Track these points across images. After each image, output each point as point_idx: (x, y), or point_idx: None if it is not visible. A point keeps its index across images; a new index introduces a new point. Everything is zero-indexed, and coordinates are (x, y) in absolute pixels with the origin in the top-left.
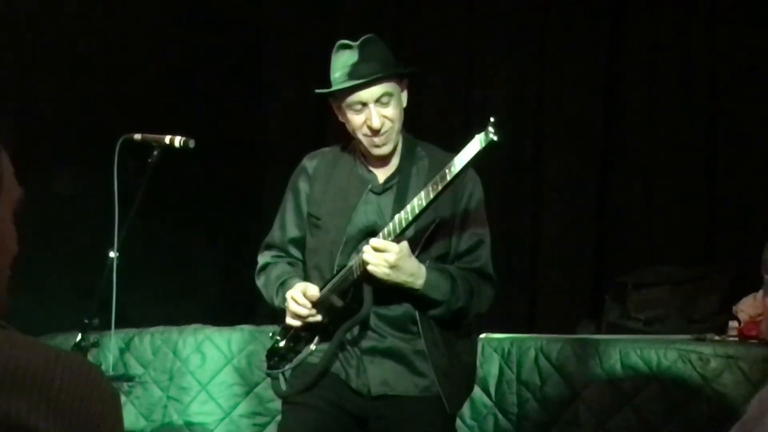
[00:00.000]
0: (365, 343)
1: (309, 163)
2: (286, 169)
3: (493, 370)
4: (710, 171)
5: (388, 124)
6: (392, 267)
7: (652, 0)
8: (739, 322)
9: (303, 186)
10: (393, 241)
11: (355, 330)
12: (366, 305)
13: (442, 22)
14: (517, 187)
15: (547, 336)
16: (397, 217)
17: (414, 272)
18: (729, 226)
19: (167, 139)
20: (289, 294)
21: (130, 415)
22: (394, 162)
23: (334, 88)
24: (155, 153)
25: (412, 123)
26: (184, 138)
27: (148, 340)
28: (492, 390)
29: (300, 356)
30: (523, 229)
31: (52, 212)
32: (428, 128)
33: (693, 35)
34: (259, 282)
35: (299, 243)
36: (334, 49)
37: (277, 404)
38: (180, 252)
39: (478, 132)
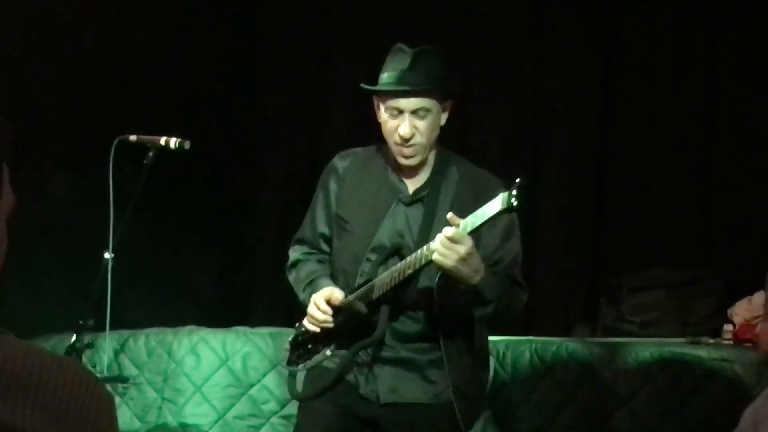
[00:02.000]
0: (377, 353)
1: (340, 162)
2: (283, 171)
3: (488, 373)
4: (706, 175)
5: (418, 137)
6: (461, 260)
7: (649, 3)
8: (734, 326)
9: (332, 185)
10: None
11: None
12: (380, 327)
13: (438, 22)
14: None
15: (542, 338)
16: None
17: (477, 268)
18: (724, 230)
19: (162, 140)
20: (313, 297)
21: (124, 417)
22: (425, 174)
23: (377, 87)
24: (150, 154)
25: None
26: (179, 139)
27: (143, 341)
28: (486, 392)
29: (317, 358)
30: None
31: (47, 213)
32: None
33: (690, 38)
34: (290, 277)
35: (329, 239)
36: (392, 49)
37: (272, 406)
38: (175, 253)
39: (503, 190)
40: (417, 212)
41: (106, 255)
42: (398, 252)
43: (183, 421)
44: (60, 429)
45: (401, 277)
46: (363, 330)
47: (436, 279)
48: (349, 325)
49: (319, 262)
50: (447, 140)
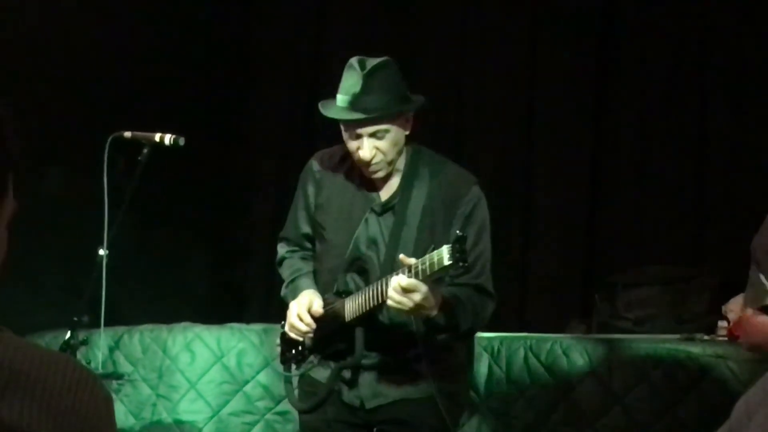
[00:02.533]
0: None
1: (317, 164)
2: (276, 168)
3: (483, 369)
4: (700, 172)
5: (379, 156)
6: (416, 307)
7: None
8: (729, 322)
9: (310, 188)
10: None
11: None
12: (358, 350)
13: (432, 24)
14: (508, 187)
15: (537, 335)
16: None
17: (432, 305)
18: (719, 227)
19: (157, 137)
20: (296, 309)
21: (119, 413)
22: (396, 180)
23: (332, 116)
24: (145, 151)
25: None
26: (174, 136)
27: (138, 338)
28: (481, 389)
29: (305, 366)
30: (513, 229)
31: (42, 210)
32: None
33: (685, 37)
34: (281, 272)
35: (312, 238)
36: (346, 65)
37: (266, 403)
38: (170, 250)
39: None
40: (390, 221)
41: (101, 252)
42: (361, 263)
43: (178, 418)
44: (57, 426)
45: (368, 308)
46: (343, 341)
47: None
48: (329, 329)
49: (303, 259)
50: (443, 132)
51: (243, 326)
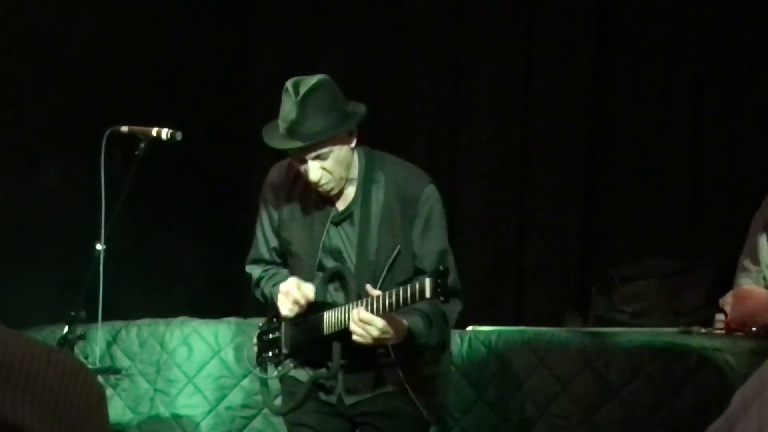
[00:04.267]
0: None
1: (275, 180)
2: (273, 161)
3: (480, 364)
4: (697, 164)
5: (326, 177)
6: (377, 338)
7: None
8: (726, 315)
9: (271, 205)
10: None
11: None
12: (335, 362)
13: (428, 19)
14: (504, 180)
15: (534, 329)
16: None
17: (392, 335)
18: (715, 220)
19: (154, 131)
20: (289, 279)
21: (116, 408)
22: (351, 190)
23: (273, 146)
24: (142, 145)
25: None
26: (170, 130)
27: (135, 332)
28: (478, 383)
29: (282, 369)
30: (509, 222)
31: (39, 205)
32: (415, 127)
33: (680, 30)
34: (257, 293)
35: (280, 252)
36: (284, 87)
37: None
38: (167, 244)
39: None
40: (350, 229)
41: (98, 246)
42: (338, 274)
43: (175, 412)
44: (50, 419)
45: (344, 326)
46: (320, 351)
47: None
48: (307, 338)
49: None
50: (435, 139)
51: (241, 320)
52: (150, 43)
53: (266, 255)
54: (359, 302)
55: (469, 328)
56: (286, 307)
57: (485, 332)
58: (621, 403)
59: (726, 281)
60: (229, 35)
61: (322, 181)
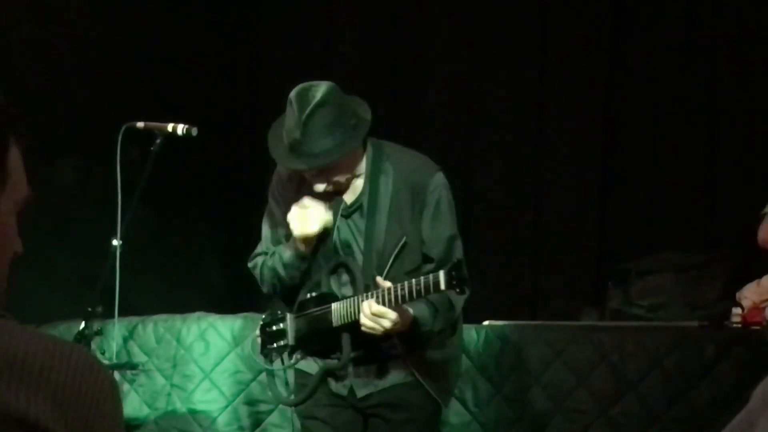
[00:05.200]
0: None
1: (284, 173)
2: None
3: (496, 358)
4: (712, 158)
5: (331, 186)
6: (388, 330)
7: None
8: (743, 309)
9: (281, 197)
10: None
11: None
12: (345, 354)
13: (441, 15)
14: (520, 175)
15: (550, 323)
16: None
17: (401, 326)
18: (731, 213)
19: (170, 127)
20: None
21: (133, 403)
22: (360, 182)
23: (278, 161)
24: (158, 141)
25: (415, 119)
26: (186, 126)
27: (152, 328)
28: (495, 377)
29: (290, 361)
30: (525, 217)
31: (56, 201)
32: (430, 121)
33: (696, 21)
34: (265, 287)
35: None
36: (288, 99)
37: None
38: (183, 240)
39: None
40: (359, 221)
41: (115, 242)
42: (344, 265)
43: (192, 408)
44: (63, 413)
45: (354, 318)
46: (329, 342)
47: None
48: (315, 329)
49: None
50: (452, 135)
51: (257, 315)
52: (165, 38)
53: (271, 243)
54: (369, 294)
55: (485, 322)
56: (310, 220)
57: (501, 327)
58: (637, 397)
59: (742, 275)
60: (243, 30)
61: (327, 190)
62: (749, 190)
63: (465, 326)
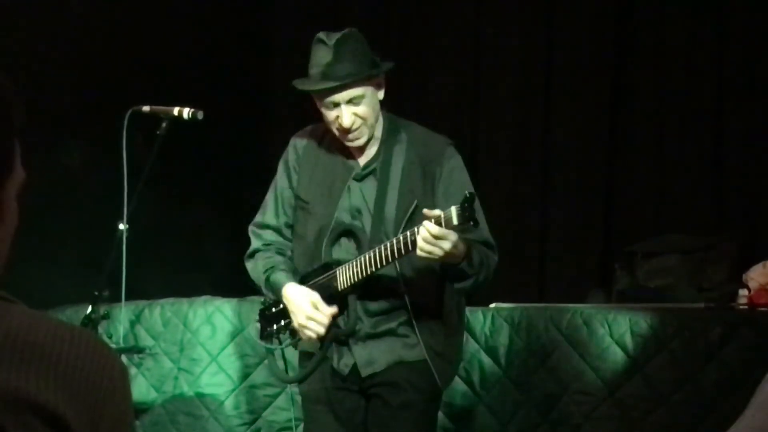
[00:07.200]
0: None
1: (299, 142)
2: None
3: (503, 340)
4: (719, 140)
5: (359, 122)
6: (444, 255)
7: None
8: (749, 290)
9: (292, 167)
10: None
11: (341, 321)
12: (351, 320)
13: (448, 9)
14: (526, 157)
15: (557, 305)
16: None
17: (460, 252)
18: (738, 195)
19: (176, 110)
20: (308, 309)
21: (140, 387)
22: (374, 147)
23: (307, 88)
24: (164, 125)
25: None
26: (192, 109)
27: (159, 311)
28: (502, 360)
29: (293, 340)
30: (532, 199)
31: (61, 185)
32: (436, 114)
33: (702, 12)
34: (248, 265)
35: (291, 226)
36: (313, 40)
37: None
38: (189, 223)
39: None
40: (371, 186)
41: (121, 226)
42: (351, 233)
43: (199, 391)
44: (73, 398)
45: (367, 273)
46: (332, 306)
47: (399, 269)
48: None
49: (279, 252)
50: (456, 127)
51: (264, 298)
52: (170, 21)
53: (273, 221)
54: (420, 225)
55: (492, 305)
56: (313, 331)
57: (508, 309)
58: (645, 378)
59: (748, 257)
60: (253, 14)
61: (355, 126)
62: (756, 173)
63: (472, 309)
